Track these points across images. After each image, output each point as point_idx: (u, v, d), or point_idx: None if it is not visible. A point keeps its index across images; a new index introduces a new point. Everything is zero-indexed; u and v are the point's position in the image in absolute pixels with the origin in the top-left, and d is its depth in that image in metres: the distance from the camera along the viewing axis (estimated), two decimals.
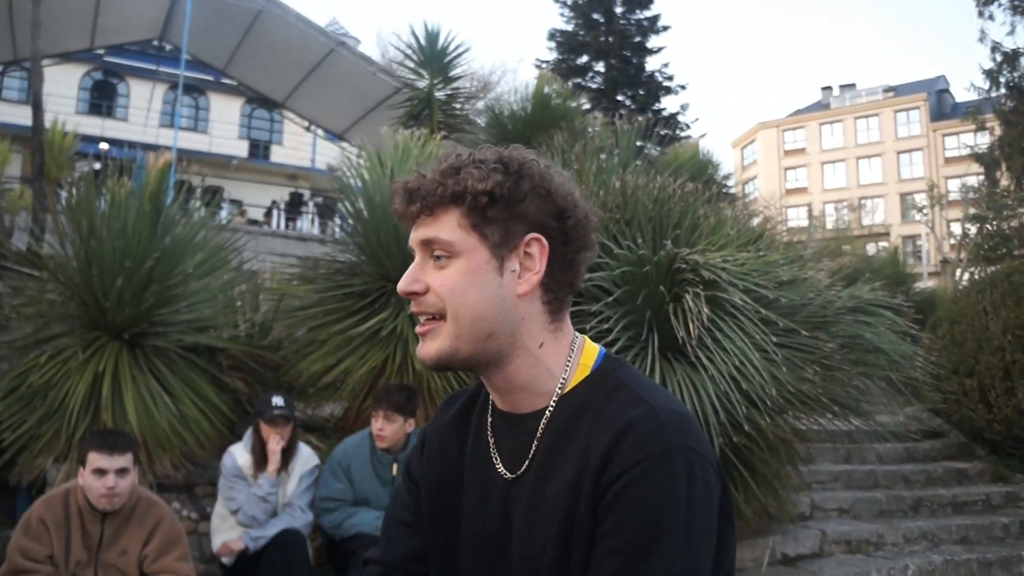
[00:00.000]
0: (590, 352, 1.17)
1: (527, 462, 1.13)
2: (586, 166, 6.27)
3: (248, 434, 4.14)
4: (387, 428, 4.05)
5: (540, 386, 1.14)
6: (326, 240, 13.09)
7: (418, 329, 1.13)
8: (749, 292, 5.20)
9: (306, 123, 18.77)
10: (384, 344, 4.93)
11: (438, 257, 1.10)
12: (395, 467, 4.12)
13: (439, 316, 1.10)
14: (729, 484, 1.12)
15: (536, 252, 1.11)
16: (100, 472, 3.18)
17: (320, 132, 19.57)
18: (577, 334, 1.19)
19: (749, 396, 4.93)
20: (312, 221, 17.88)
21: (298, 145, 25.13)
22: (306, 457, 4.24)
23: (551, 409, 1.13)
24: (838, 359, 5.29)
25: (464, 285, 1.08)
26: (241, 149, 26.41)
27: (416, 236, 1.12)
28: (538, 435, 1.12)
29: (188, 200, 5.36)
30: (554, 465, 1.10)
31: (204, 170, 5.35)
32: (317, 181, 22.91)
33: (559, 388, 1.13)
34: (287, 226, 17.99)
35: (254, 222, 16.65)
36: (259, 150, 27.47)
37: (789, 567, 5.58)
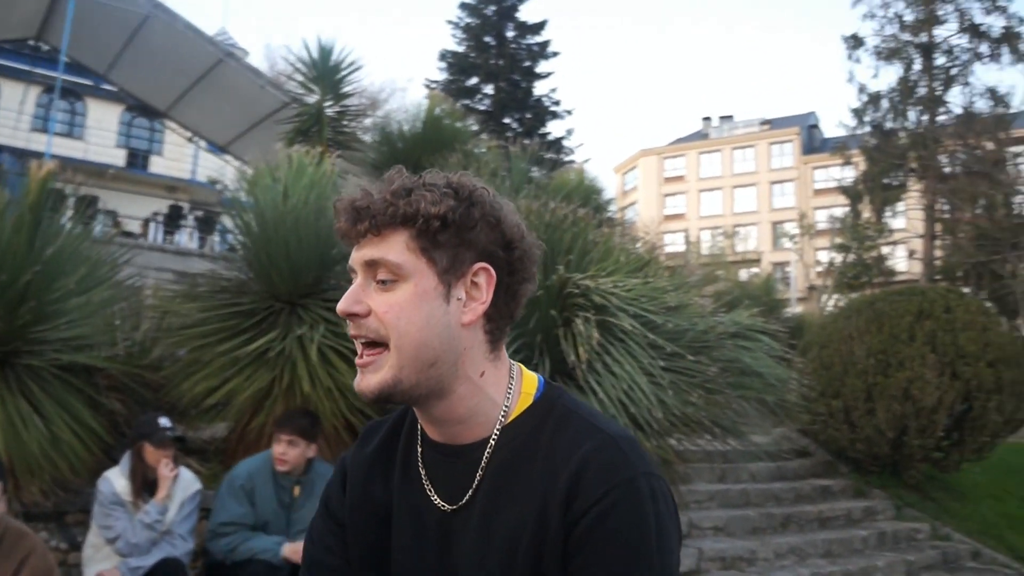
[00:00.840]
0: (530, 381, 1.16)
1: (470, 492, 1.10)
2: None
3: (126, 458, 3.96)
4: (290, 453, 3.97)
5: (481, 416, 1.11)
6: (207, 255, 12.71)
7: (358, 361, 1.08)
8: (638, 317, 5.35)
9: (189, 134, 18.19)
10: (271, 365, 4.82)
11: (382, 281, 1.06)
12: (296, 489, 4.05)
13: (379, 343, 1.06)
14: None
15: (483, 282, 1.09)
16: None
17: (203, 144, 19.01)
18: (513, 362, 1.17)
19: (636, 419, 5.07)
20: (191, 235, 17.28)
21: (179, 156, 24.27)
22: (187, 482, 4.09)
23: (495, 438, 1.11)
24: (720, 383, 5.49)
25: (410, 310, 1.04)
26: (119, 158, 25.27)
27: (360, 256, 1.08)
28: (482, 465, 1.10)
29: (62, 211, 5.10)
30: (505, 496, 1.08)
31: (80, 179, 5.08)
32: (197, 194, 22.19)
33: (501, 417, 1.11)
34: (165, 240, 17.32)
35: (128, 234, 15.96)
36: (138, 160, 26.38)
37: None
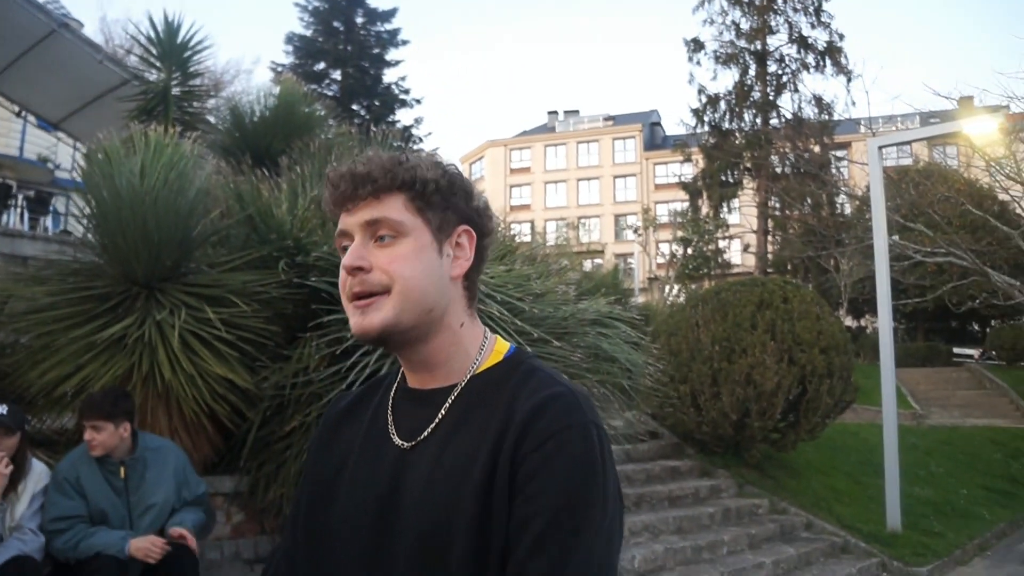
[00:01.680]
0: (502, 344, 1.27)
1: (428, 430, 1.18)
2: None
3: None
4: (97, 437, 3.81)
5: (455, 364, 1.21)
6: (39, 238, 11.90)
7: (356, 304, 1.17)
8: (504, 304, 5.45)
9: (17, 108, 16.89)
10: (129, 352, 4.61)
11: (381, 237, 1.17)
12: (122, 470, 3.91)
13: (382, 292, 1.16)
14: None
15: (466, 242, 1.23)
16: None
17: (32, 119, 17.70)
18: (487, 328, 1.29)
19: None
20: (22, 216, 16.08)
21: (5, 131, 22.51)
22: (39, 474, 3.87)
23: (462, 384, 1.20)
24: (582, 368, 5.67)
25: (413, 260, 1.16)
26: None
27: (359, 218, 1.18)
28: (446, 406, 1.19)
29: None
30: (461, 433, 1.16)
31: None
32: (26, 172, 20.63)
33: (472, 367, 1.21)
34: None
35: None
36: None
37: None
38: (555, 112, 60.26)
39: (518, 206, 52.10)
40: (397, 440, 1.21)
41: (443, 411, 1.19)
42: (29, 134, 20.95)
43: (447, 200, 1.21)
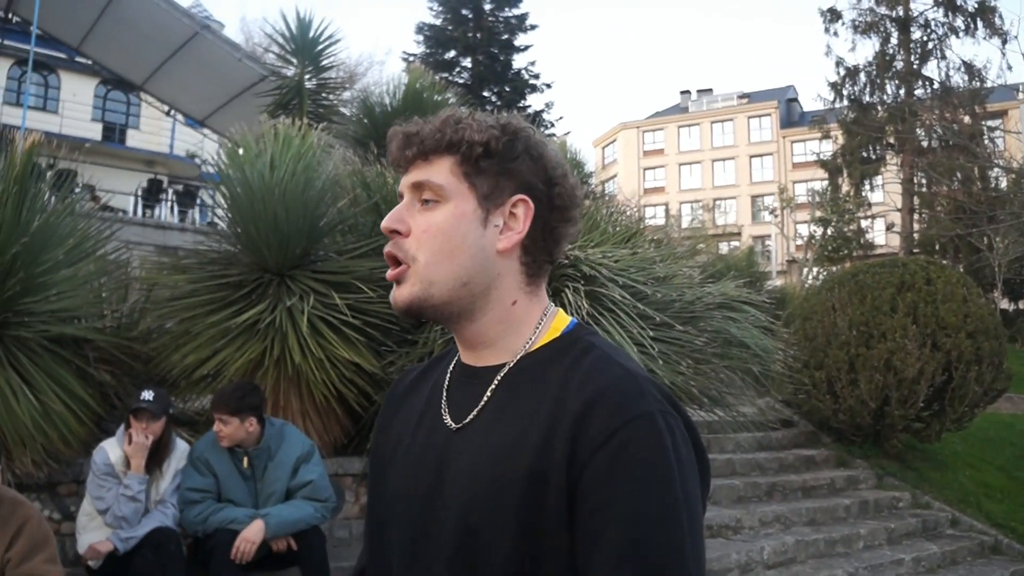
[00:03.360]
0: (562, 319, 1.17)
1: (476, 411, 1.11)
2: None
3: (121, 429, 3.95)
4: (224, 430, 3.97)
5: (508, 343, 1.13)
6: (188, 229, 12.59)
7: (389, 274, 1.13)
8: (627, 287, 5.36)
9: (166, 108, 17.95)
10: (262, 336, 4.80)
11: (426, 201, 1.11)
12: (245, 460, 4.06)
13: (413, 259, 1.10)
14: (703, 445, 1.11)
15: (521, 213, 1.12)
16: None
17: (180, 118, 18.75)
18: (552, 305, 1.19)
19: None
20: (171, 209, 17.10)
21: (156, 130, 23.92)
22: (181, 453, 4.10)
23: (512, 363, 1.12)
24: (707, 353, 5.53)
25: (447, 228, 1.09)
26: (94, 132, 24.79)
27: (408, 179, 1.13)
28: (492, 386, 1.11)
29: (45, 184, 5.02)
30: (509, 413, 1.08)
31: (62, 152, 5.03)
32: (176, 168, 21.94)
33: (526, 346, 1.13)
34: (144, 214, 17.15)
35: (108, 208, 15.74)
36: (114, 134, 25.93)
37: None
38: (688, 92, 58.93)
39: (652, 189, 51.41)
40: (448, 420, 1.14)
41: (490, 391, 1.11)
42: (178, 132, 22.21)
43: (502, 165, 1.11)
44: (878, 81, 27.72)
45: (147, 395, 3.95)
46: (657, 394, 1.03)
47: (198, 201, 18.76)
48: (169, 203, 17.50)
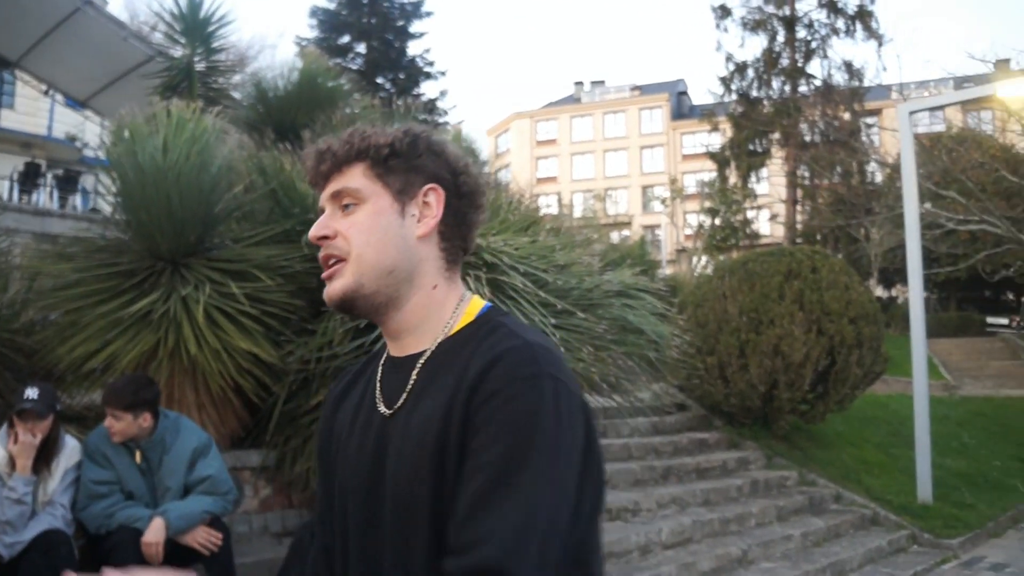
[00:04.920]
0: (477, 304, 1.25)
1: (403, 397, 1.19)
2: None
3: (3, 429, 3.75)
4: (116, 425, 3.82)
5: (429, 328, 1.22)
6: (69, 216, 12.01)
7: (324, 275, 1.22)
8: (528, 275, 5.41)
9: (44, 87, 17.02)
10: (155, 327, 4.62)
11: (347, 206, 1.21)
12: (138, 455, 3.93)
13: (345, 256, 1.20)
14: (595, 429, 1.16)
15: (433, 200, 1.22)
16: None
17: (59, 98, 17.83)
18: (468, 291, 1.28)
19: None
20: (51, 195, 16.26)
21: (33, 111, 22.63)
22: (71, 450, 3.91)
23: (432, 348, 1.20)
24: (607, 340, 5.63)
25: (369, 225, 1.20)
26: None
27: (326, 191, 1.23)
28: (415, 371, 1.19)
29: None
30: (427, 395, 1.15)
31: None
32: (55, 151, 20.83)
33: (445, 330, 1.21)
34: (21, 199, 16.25)
35: None
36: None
37: None
38: (581, 83, 59.69)
39: (545, 178, 51.85)
40: (382, 408, 1.22)
41: (414, 376, 1.19)
42: (57, 113, 21.13)
43: (409, 161, 1.22)
44: (765, 77, 28.74)
45: (31, 393, 3.75)
46: (554, 362, 1.10)
47: (79, 186, 17.88)
48: (48, 188, 16.62)
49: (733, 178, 29.84)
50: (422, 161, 1.22)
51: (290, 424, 5.11)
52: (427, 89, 30.40)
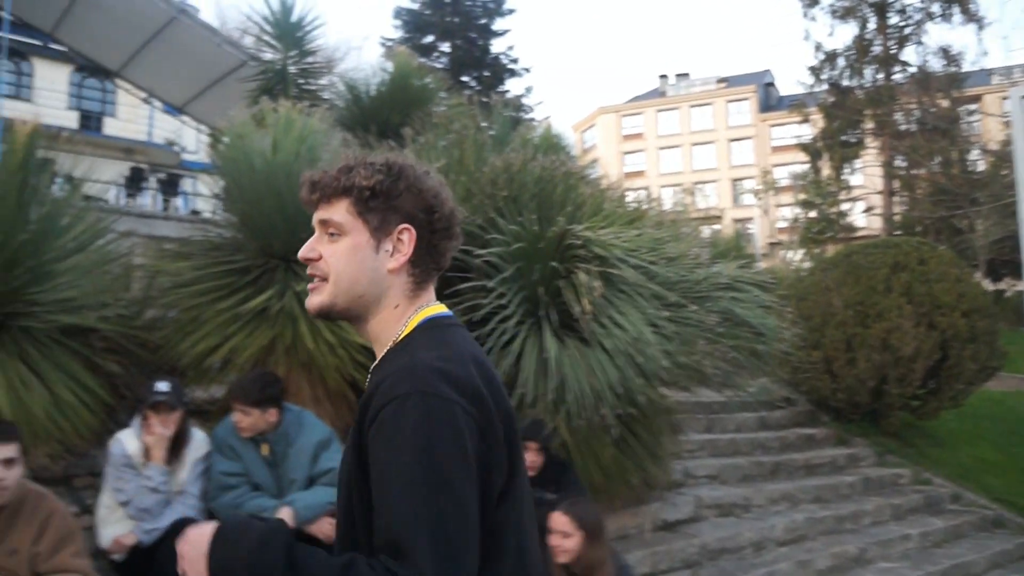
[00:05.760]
0: (422, 314, 1.43)
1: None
2: (466, 144, 6.21)
3: (137, 421, 3.84)
4: (244, 420, 3.87)
5: (385, 340, 1.42)
6: (172, 218, 12.37)
7: (309, 286, 1.44)
8: (638, 267, 5.32)
9: (143, 94, 17.61)
10: (272, 322, 4.69)
11: (332, 234, 1.41)
12: (264, 447, 3.97)
13: (325, 278, 1.40)
14: (515, 439, 1.35)
15: (406, 238, 1.41)
16: None
17: (158, 105, 18.42)
18: (432, 303, 1.46)
19: (644, 370, 5.05)
20: (154, 198, 16.82)
21: (134, 118, 23.49)
22: (199, 443, 3.99)
23: (379, 358, 1.41)
24: (716, 333, 5.49)
25: (347, 257, 1.39)
26: (71, 120, 24.30)
27: (316, 217, 1.43)
28: (367, 380, 1.40)
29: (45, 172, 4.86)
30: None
31: (61, 142, 4.92)
32: (155, 156, 21.52)
33: (394, 340, 1.41)
34: (127, 203, 16.88)
35: (89, 198, 15.45)
36: (91, 122, 25.45)
37: (670, 532, 5.78)
38: (665, 76, 58.77)
39: (632, 173, 51.27)
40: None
41: (366, 385, 1.37)
42: (156, 119, 21.83)
43: (387, 203, 1.39)
44: (857, 66, 27.76)
45: (162, 386, 3.83)
46: (429, 378, 1.24)
47: (179, 189, 18.45)
48: (152, 192, 17.18)
49: (826, 170, 28.99)
50: (400, 202, 1.39)
51: None
52: (512, 86, 30.40)
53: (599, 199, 6.24)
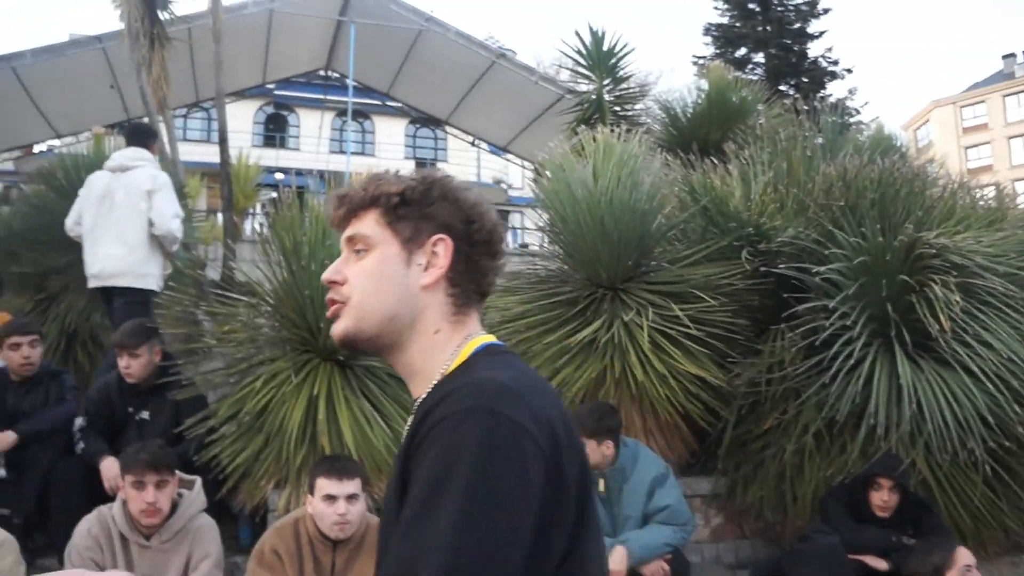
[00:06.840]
0: (475, 343, 1.21)
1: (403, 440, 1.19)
2: (794, 154, 5.81)
3: None
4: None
5: (430, 372, 1.19)
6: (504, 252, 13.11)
7: (328, 313, 1.24)
8: (1006, 276, 4.62)
9: (470, 138, 18.95)
10: (601, 353, 4.65)
11: (359, 251, 1.23)
12: (601, 482, 3.88)
13: (346, 301, 1.22)
14: (588, 484, 1.13)
15: (441, 250, 1.21)
16: (330, 499, 3.07)
17: (484, 146, 19.69)
18: (480, 332, 1.24)
19: (1019, 394, 4.35)
20: None
21: (462, 161, 25.45)
22: None
23: (427, 392, 1.16)
24: None
25: (373, 272, 1.21)
26: (407, 169, 26.93)
27: (343, 236, 1.26)
28: (412, 416, 1.15)
29: None
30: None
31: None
32: (485, 195, 23.09)
33: (442, 372, 1.18)
34: None
35: None
36: (426, 168, 28.03)
37: None
38: (1012, 55, 52.27)
39: (976, 168, 46.17)
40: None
41: (409, 423, 1.15)
42: (483, 160, 23.40)
43: (420, 210, 1.22)
44: None
45: None
46: (501, 397, 1.03)
47: (508, 224, 19.61)
48: None
49: None
50: (434, 209, 1.22)
51: (740, 450, 4.89)
52: (834, 89, 28.79)
53: (950, 201, 5.54)
